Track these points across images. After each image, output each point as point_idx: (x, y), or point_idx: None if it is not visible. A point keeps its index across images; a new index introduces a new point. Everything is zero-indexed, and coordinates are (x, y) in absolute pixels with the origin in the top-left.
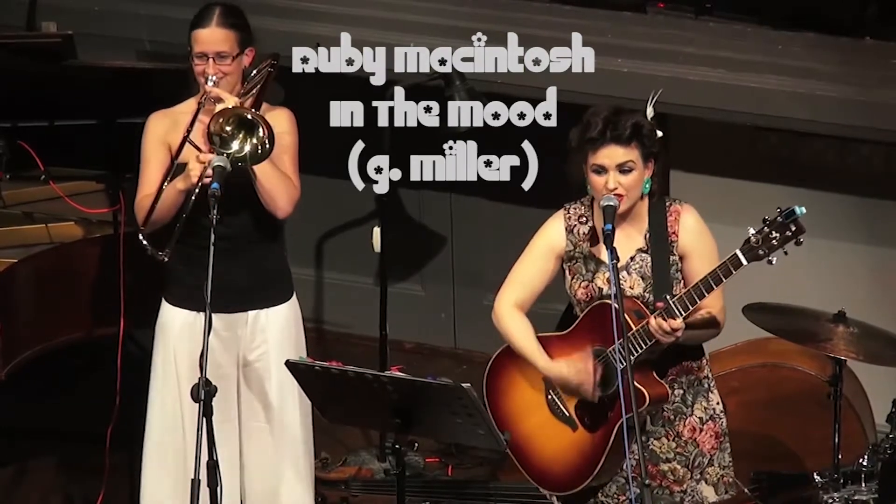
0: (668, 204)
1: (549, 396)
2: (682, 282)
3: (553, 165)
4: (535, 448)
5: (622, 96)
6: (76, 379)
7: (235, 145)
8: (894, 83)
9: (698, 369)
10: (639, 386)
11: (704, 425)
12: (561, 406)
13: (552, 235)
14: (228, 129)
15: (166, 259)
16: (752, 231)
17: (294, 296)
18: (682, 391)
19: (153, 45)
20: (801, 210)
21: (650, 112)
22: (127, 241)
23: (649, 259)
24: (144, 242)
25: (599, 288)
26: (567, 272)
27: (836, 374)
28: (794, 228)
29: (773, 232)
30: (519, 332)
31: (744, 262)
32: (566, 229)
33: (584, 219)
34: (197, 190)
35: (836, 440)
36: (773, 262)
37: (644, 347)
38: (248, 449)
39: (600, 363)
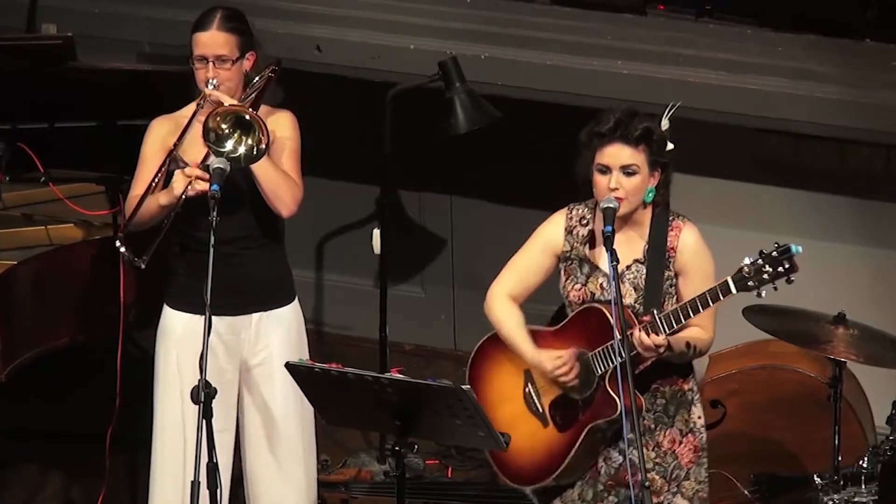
0: (671, 218)
1: (527, 389)
2: (676, 298)
3: (554, 168)
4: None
5: (622, 98)
6: (76, 380)
7: (230, 145)
8: (894, 85)
9: (683, 381)
10: (612, 394)
11: (684, 437)
12: (536, 401)
13: (551, 233)
14: (225, 127)
15: (143, 266)
16: (746, 261)
17: (297, 299)
18: (664, 401)
19: (153, 47)
20: (797, 248)
21: (665, 123)
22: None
23: (644, 271)
24: (122, 249)
25: (592, 293)
26: (562, 272)
27: (836, 376)
28: (787, 266)
29: (767, 266)
30: (508, 320)
31: (733, 290)
32: (566, 229)
33: (586, 221)
34: (180, 204)
35: (836, 442)
36: (763, 296)
37: (623, 357)
38: (250, 456)
39: (580, 361)
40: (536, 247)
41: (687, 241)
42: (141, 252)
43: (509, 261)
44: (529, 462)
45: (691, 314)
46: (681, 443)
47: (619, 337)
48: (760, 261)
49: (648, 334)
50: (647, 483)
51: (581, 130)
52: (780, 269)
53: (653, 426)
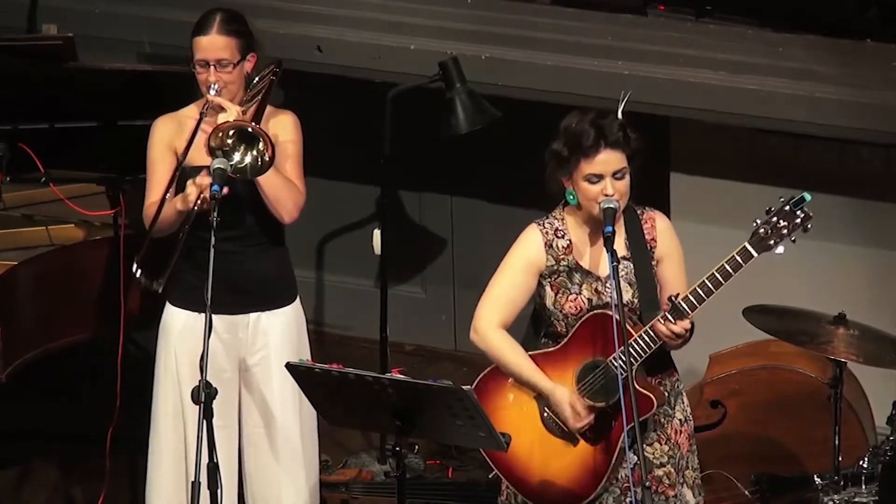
0: (639, 212)
1: (546, 414)
2: (660, 284)
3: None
4: (531, 468)
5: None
6: (77, 380)
7: (237, 157)
8: (895, 85)
9: (673, 371)
10: (646, 392)
11: (682, 427)
12: (559, 422)
13: (531, 251)
14: (229, 141)
15: (160, 290)
16: (758, 222)
17: (298, 300)
18: (666, 393)
19: (153, 47)
20: (809, 196)
21: (619, 114)
22: (127, 243)
23: (632, 266)
24: (138, 274)
25: (588, 299)
26: (548, 288)
27: (837, 377)
28: (802, 215)
29: (782, 220)
30: (512, 354)
31: (754, 254)
32: (545, 244)
33: (561, 232)
34: (195, 211)
35: (837, 442)
36: (782, 252)
37: (647, 353)
38: (248, 455)
39: (593, 411)
40: (518, 269)
41: (663, 228)
42: (156, 275)
43: (489, 288)
44: (567, 484)
45: (713, 290)
46: (680, 432)
47: (623, 338)
48: (774, 218)
49: (675, 322)
50: (647, 483)
51: (554, 146)
52: (797, 220)
53: (662, 420)
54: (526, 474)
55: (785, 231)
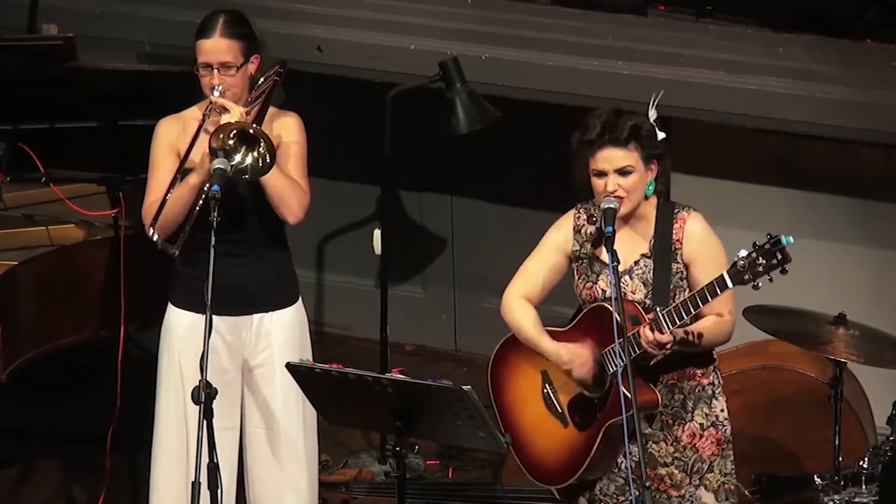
0: (675, 211)
1: (545, 391)
2: (689, 289)
3: (554, 168)
4: (530, 439)
5: (623, 98)
6: (78, 380)
7: (238, 158)
8: (894, 85)
9: (702, 375)
10: (626, 392)
11: (705, 431)
12: (554, 401)
13: (560, 234)
14: (231, 142)
15: (177, 253)
16: (741, 254)
17: (300, 300)
18: (682, 396)
19: (153, 47)
20: (787, 239)
21: (653, 114)
22: (127, 243)
23: (651, 265)
24: (155, 237)
25: (602, 290)
26: (575, 271)
27: (837, 377)
28: (780, 257)
29: (760, 258)
30: (523, 319)
31: (730, 284)
32: (574, 229)
33: (594, 219)
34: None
35: (837, 442)
36: (759, 287)
37: (634, 354)
38: (250, 456)
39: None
40: (547, 247)
41: (692, 231)
42: (173, 239)
43: (522, 264)
44: (555, 462)
45: (692, 310)
46: (701, 436)
47: (622, 336)
48: (754, 254)
49: (653, 331)
50: (647, 483)
51: (571, 137)
52: (774, 260)
53: (671, 421)
54: (524, 444)
55: (760, 269)
